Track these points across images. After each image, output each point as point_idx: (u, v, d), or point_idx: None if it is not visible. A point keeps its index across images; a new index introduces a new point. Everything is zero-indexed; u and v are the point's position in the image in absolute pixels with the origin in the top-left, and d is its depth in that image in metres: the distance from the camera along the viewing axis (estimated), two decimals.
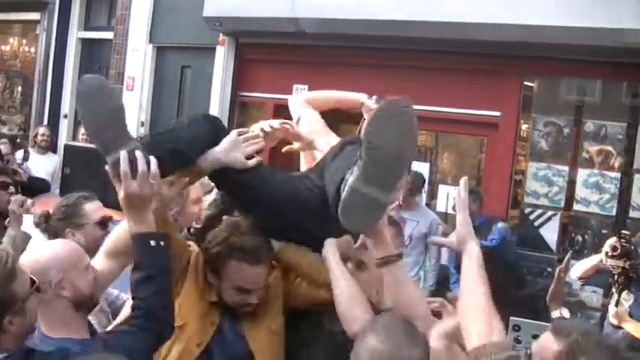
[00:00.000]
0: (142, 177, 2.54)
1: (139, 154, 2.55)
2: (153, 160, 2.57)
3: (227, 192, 3.15)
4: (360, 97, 3.75)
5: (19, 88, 12.65)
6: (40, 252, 2.82)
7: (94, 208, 3.69)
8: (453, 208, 7.42)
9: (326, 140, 3.55)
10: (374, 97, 3.73)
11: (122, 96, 2.37)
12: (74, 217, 3.70)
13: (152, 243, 2.59)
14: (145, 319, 2.55)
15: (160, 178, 2.61)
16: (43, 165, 8.91)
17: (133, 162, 2.54)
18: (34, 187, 6.40)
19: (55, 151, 10.28)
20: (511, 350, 2.41)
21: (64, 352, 2.43)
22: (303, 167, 3.62)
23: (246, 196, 3.01)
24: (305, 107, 3.75)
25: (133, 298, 2.62)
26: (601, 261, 5.59)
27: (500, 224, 7.22)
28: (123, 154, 2.53)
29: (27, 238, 5.52)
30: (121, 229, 3.00)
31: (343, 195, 2.61)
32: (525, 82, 7.82)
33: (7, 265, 2.34)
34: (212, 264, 2.96)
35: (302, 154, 3.71)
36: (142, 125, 9.97)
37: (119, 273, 3.02)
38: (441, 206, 7.99)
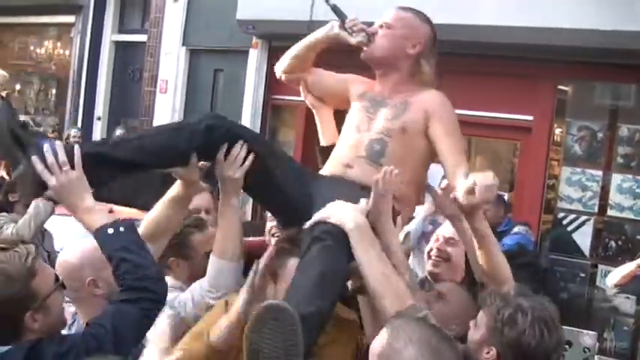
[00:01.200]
0: (54, 169, 2.60)
1: (46, 148, 2.61)
2: (60, 150, 2.62)
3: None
4: (330, 29, 3.45)
5: (54, 91, 12.81)
6: (74, 251, 2.88)
7: (201, 240, 3.50)
8: None
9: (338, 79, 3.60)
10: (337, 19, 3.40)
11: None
12: (182, 248, 3.52)
13: (110, 231, 2.57)
14: (125, 292, 2.54)
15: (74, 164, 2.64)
16: None
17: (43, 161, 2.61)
18: None
19: None
20: (421, 311, 2.69)
21: (61, 339, 2.47)
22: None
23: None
24: (296, 73, 3.59)
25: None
26: (638, 266, 5.56)
27: (517, 228, 7.14)
28: (34, 159, 2.60)
29: (50, 207, 5.71)
30: (149, 215, 3.26)
31: None
32: (559, 86, 7.76)
33: (26, 263, 2.40)
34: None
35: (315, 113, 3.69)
36: None
37: (159, 255, 3.13)
38: None
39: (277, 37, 9.10)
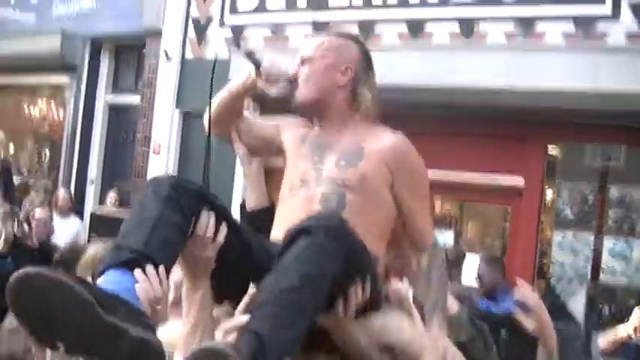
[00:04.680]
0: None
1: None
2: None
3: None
4: (247, 77, 2.94)
5: (47, 152, 12.80)
6: None
7: None
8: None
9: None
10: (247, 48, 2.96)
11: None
12: None
13: None
14: None
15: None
16: (65, 228, 8.95)
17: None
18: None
19: (81, 215, 10.35)
20: None
21: None
22: None
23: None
24: (224, 124, 3.14)
25: None
26: (629, 336, 5.46)
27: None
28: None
29: None
30: None
31: None
32: (549, 148, 7.76)
33: None
34: None
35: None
36: None
37: None
38: (465, 276, 7.82)
39: (270, 100, 9.10)
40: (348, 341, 2.43)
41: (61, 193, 9.94)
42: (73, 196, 10.27)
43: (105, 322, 1.89)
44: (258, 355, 1.95)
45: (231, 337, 2.09)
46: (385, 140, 2.76)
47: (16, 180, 11.31)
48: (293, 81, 2.85)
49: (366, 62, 2.89)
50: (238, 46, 2.83)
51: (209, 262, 2.40)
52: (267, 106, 3.24)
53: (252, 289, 2.28)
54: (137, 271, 2.08)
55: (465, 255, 7.33)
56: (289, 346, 2.06)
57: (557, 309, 7.57)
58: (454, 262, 7.09)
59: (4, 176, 9.99)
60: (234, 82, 3.01)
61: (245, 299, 2.25)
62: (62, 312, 1.85)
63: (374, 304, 2.49)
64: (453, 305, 3.28)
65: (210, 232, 2.36)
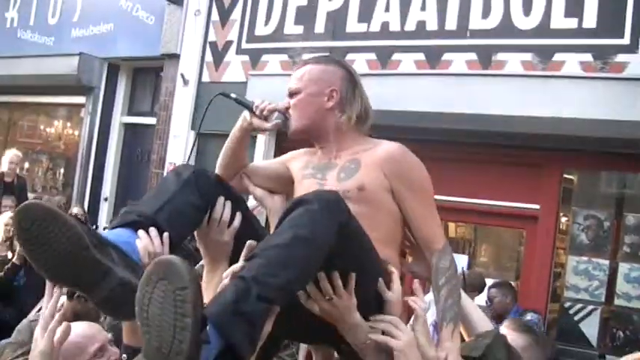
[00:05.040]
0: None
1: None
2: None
3: None
4: (243, 121, 3.00)
5: (62, 170, 12.91)
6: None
7: None
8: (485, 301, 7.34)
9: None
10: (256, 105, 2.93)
11: None
12: None
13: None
14: None
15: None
16: None
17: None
18: None
19: None
20: None
21: None
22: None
23: None
24: (234, 173, 3.11)
25: None
26: None
27: (529, 316, 7.12)
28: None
29: None
30: None
31: None
32: (565, 175, 7.80)
33: None
34: None
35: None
36: None
37: None
38: (479, 299, 7.89)
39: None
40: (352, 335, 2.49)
41: (75, 209, 10.00)
42: (86, 212, 10.34)
43: (90, 256, 2.13)
44: (242, 296, 2.05)
45: (226, 282, 2.20)
46: (381, 149, 2.83)
47: (30, 196, 11.35)
48: (285, 112, 2.91)
49: (351, 80, 2.96)
50: (228, 96, 2.82)
51: (227, 246, 2.63)
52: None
53: (251, 242, 2.35)
54: (140, 231, 2.33)
55: (485, 284, 7.37)
56: (274, 293, 2.12)
57: (570, 332, 7.62)
58: (475, 288, 7.18)
59: (18, 190, 10.03)
60: (232, 132, 3.06)
61: (244, 253, 2.34)
62: (55, 240, 2.09)
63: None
64: (483, 324, 3.28)
65: (226, 217, 2.61)
